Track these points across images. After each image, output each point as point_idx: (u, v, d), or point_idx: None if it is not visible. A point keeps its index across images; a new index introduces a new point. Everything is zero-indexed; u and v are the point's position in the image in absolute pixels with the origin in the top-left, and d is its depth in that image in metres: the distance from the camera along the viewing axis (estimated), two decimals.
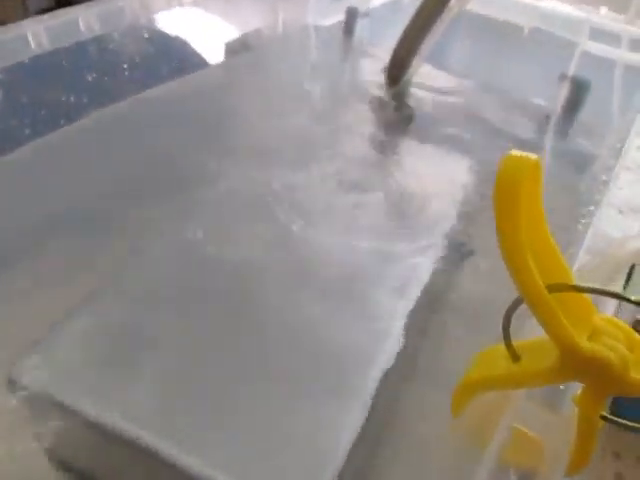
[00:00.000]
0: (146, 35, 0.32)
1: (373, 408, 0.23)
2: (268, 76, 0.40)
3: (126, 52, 0.32)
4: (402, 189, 0.34)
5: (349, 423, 0.22)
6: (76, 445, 0.25)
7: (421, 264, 0.30)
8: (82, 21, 0.29)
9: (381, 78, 0.38)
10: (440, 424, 0.17)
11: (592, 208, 0.21)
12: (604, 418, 0.11)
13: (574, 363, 0.10)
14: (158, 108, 0.34)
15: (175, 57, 0.36)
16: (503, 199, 0.09)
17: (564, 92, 0.37)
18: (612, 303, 0.16)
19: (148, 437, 0.21)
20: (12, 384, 0.23)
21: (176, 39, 0.36)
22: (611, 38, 0.34)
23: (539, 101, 0.38)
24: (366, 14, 0.42)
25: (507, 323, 0.11)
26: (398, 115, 0.37)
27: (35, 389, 0.22)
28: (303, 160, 0.34)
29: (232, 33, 0.41)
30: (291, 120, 0.37)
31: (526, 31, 0.36)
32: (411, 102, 0.38)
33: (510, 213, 0.09)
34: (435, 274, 0.29)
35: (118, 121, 0.32)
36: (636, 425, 0.11)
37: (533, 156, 0.09)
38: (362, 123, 0.37)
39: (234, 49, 0.40)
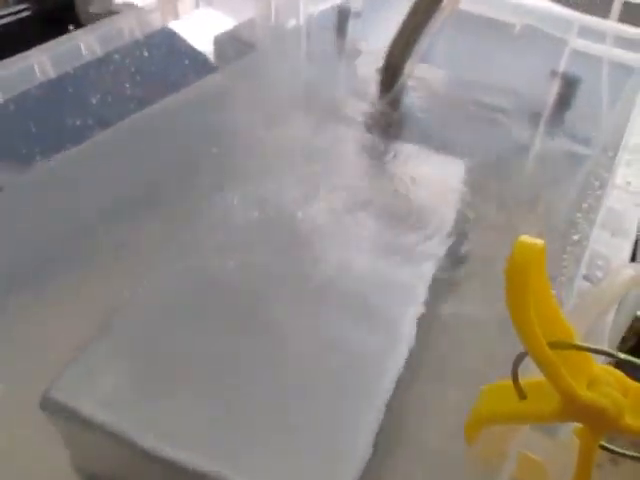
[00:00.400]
0: (145, 53, 0.33)
1: (388, 410, 0.25)
2: (262, 84, 0.41)
3: (127, 71, 0.33)
4: (399, 195, 0.35)
5: (366, 424, 0.24)
6: (108, 462, 0.27)
7: (425, 270, 0.31)
8: (84, 45, 0.30)
9: (375, 80, 0.39)
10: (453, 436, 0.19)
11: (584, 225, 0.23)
12: (603, 447, 0.13)
13: (574, 408, 0.12)
14: (157, 124, 0.35)
15: (174, 68, 0.36)
16: (514, 281, 0.11)
17: (555, 88, 0.38)
18: None
19: (183, 455, 0.23)
20: (46, 403, 0.24)
21: (173, 49, 0.37)
22: (598, 36, 0.35)
23: (531, 97, 0.39)
24: (358, 14, 0.43)
25: (515, 370, 0.13)
26: (393, 118, 0.38)
27: (69, 408, 0.24)
28: (300, 168, 0.35)
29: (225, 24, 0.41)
30: (287, 129, 0.38)
31: (517, 29, 0.37)
32: (405, 104, 0.39)
33: (519, 292, 0.11)
34: (437, 279, 0.31)
35: (120, 140, 0.33)
36: (632, 453, 0.13)
37: (540, 242, 0.11)
38: (357, 128, 0.38)
39: (227, 44, 0.41)
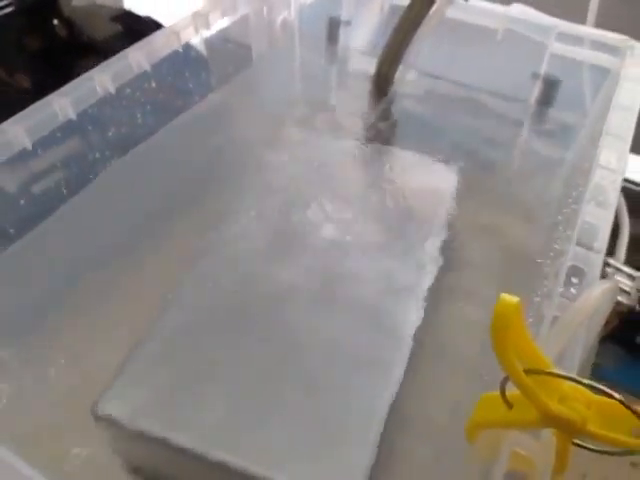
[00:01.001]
0: (153, 84, 0.35)
1: (394, 405, 0.29)
2: (259, 100, 0.43)
3: (138, 103, 0.35)
4: (395, 202, 0.38)
5: (377, 410, 0.28)
6: (152, 461, 0.31)
7: (423, 273, 0.34)
8: (98, 85, 0.33)
9: (367, 89, 0.42)
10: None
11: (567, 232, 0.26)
12: (576, 444, 0.17)
13: (548, 419, 0.15)
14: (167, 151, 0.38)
15: (179, 92, 0.39)
16: (496, 330, 0.14)
17: (537, 90, 0.41)
18: None
19: (231, 457, 0.26)
20: (98, 418, 0.28)
21: (176, 70, 0.39)
22: (576, 40, 0.37)
23: (515, 100, 0.42)
24: (348, 22, 0.45)
25: (502, 388, 0.16)
26: (386, 126, 0.41)
27: (119, 420, 0.28)
28: (299, 180, 0.38)
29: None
30: (285, 141, 0.40)
31: (500, 34, 0.40)
32: (397, 111, 0.41)
33: (501, 338, 0.14)
34: (436, 281, 0.34)
35: (131, 170, 0.36)
36: (602, 449, 0.16)
37: (516, 299, 0.14)
38: (352, 137, 0.41)
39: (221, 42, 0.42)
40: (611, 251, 0.39)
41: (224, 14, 0.40)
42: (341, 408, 0.28)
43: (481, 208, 0.39)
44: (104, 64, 0.33)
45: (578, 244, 0.24)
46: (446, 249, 0.35)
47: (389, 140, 0.42)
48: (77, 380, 0.32)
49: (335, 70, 0.46)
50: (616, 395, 0.15)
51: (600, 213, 0.25)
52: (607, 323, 0.37)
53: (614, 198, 0.26)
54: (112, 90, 0.33)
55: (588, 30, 0.38)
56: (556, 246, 0.26)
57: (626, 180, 0.49)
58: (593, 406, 0.15)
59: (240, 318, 0.31)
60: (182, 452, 0.27)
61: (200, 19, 0.38)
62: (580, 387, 0.16)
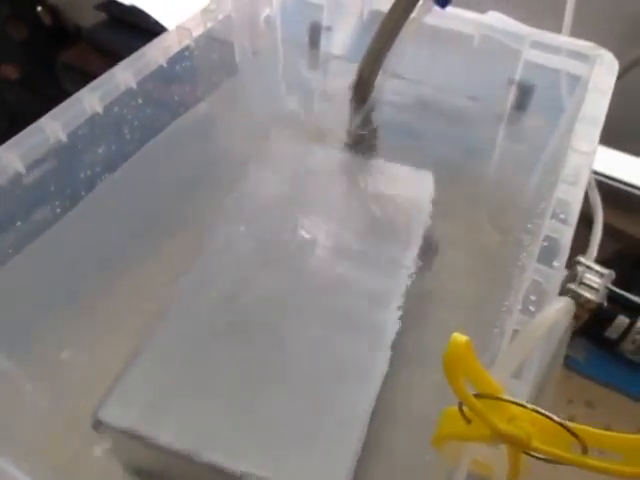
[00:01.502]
0: (140, 100, 0.37)
1: (376, 405, 0.31)
2: (243, 107, 0.44)
3: (125, 120, 0.37)
4: (373, 210, 0.40)
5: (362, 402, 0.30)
6: (150, 463, 0.33)
7: (400, 278, 0.37)
8: (87, 106, 0.34)
9: (348, 96, 0.43)
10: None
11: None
12: (526, 454, 0.19)
13: (498, 436, 0.18)
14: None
15: (166, 106, 0.40)
16: (449, 366, 0.16)
17: (512, 95, 0.43)
18: None
19: (224, 459, 0.28)
20: (98, 424, 0.30)
21: (162, 85, 0.40)
22: (549, 48, 0.39)
23: (492, 104, 0.43)
24: (329, 28, 0.46)
25: (460, 407, 0.19)
26: (367, 133, 0.42)
27: (119, 427, 0.30)
28: (280, 191, 0.40)
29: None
30: (268, 151, 0.42)
31: (476, 40, 0.41)
32: (377, 117, 0.43)
33: (453, 371, 0.16)
34: (411, 285, 0.36)
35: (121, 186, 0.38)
36: (544, 457, 0.18)
37: (465, 338, 0.16)
38: (333, 146, 0.43)
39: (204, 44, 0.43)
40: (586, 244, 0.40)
41: (206, 23, 0.41)
42: (325, 409, 0.30)
43: (458, 214, 0.40)
44: (92, 84, 0.34)
45: (539, 260, 0.26)
46: (423, 256, 0.37)
47: (370, 147, 0.43)
48: (77, 385, 0.34)
49: (317, 76, 0.47)
50: (555, 417, 0.17)
51: (562, 228, 0.27)
52: (578, 318, 0.39)
53: (576, 212, 0.28)
54: (100, 110, 0.34)
55: (560, 38, 0.39)
56: (520, 259, 0.28)
57: (606, 176, 0.51)
58: (538, 424, 0.18)
59: (230, 326, 0.34)
60: (178, 455, 0.29)
61: (183, 32, 0.40)
62: (527, 409, 0.18)
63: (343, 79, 0.44)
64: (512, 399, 0.17)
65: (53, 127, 0.32)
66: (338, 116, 0.43)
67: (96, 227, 0.36)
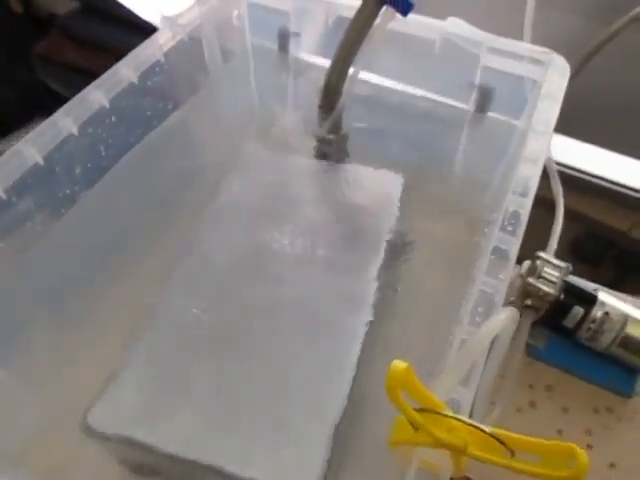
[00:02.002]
0: (113, 118, 0.38)
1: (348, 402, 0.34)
2: (215, 116, 0.46)
3: (100, 139, 0.38)
4: (343, 215, 0.42)
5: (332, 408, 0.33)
6: (139, 459, 0.36)
7: (368, 280, 0.39)
8: (62, 128, 0.35)
9: (317, 103, 0.45)
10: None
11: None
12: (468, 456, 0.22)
13: (439, 444, 0.20)
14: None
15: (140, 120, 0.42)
16: (390, 389, 0.19)
17: (473, 98, 0.45)
18: None
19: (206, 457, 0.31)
20: (87, 428, 0.33)
21: (134, 101, 0.42)
22: (505, 53, 0.41)
23: (454, 107, 0.45)
24: (297, 33, 0.47)
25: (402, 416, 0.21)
26: (336, 139, 0.44)
27: (107, 432, 0.32)
28: (253, 199, 0.42)
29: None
30: (241, 162, 0.44)
31: (437, 45, 0.43)
32: (346, 122, 0.44)
33: (395, 393, 0.19)
34: (380, 289, 0.39)
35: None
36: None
37: (404, 365, 0.19)
38: (303, 153, 0.44)
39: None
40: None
41: (175, 36, 0.43)
42: (299, 410, 0.33)
43: (427, 213, 0.43)
44: (66, 106, 0.36)
45: (487, 273, 0.28)
46: (392, 255, 0.40)
47: (340, 151, 0.45)
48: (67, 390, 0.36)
49: (288, 81, 0.49)
50: (485, 429, 0.20)
51: (510, 240, 0.29)
52: (538, 310, 0.42)
53: (524, 223, 0.31)
54: (75, 131, 0.36)
55: (516, 44, 0.41)
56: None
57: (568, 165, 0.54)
58: (474, 433, 0.20)
59: (210, 334, 0.36)
60: (164, 455, 0.32)
61: (154, 47, 0.41)
62: (464, 420, 0.20)
63: (313, 84, 0.45)
64: (448, 414, 0.20)
65: (30, 151, 0.34)
66: (309, 121, 0.44)
67: (78, 242, 0.38)
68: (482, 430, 0.20)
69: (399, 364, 0.19)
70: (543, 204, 0.43)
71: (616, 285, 0.65)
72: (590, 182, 0.55)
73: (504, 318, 0.26)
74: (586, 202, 0.57)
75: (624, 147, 0.97)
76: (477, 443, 0.20)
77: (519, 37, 0.42)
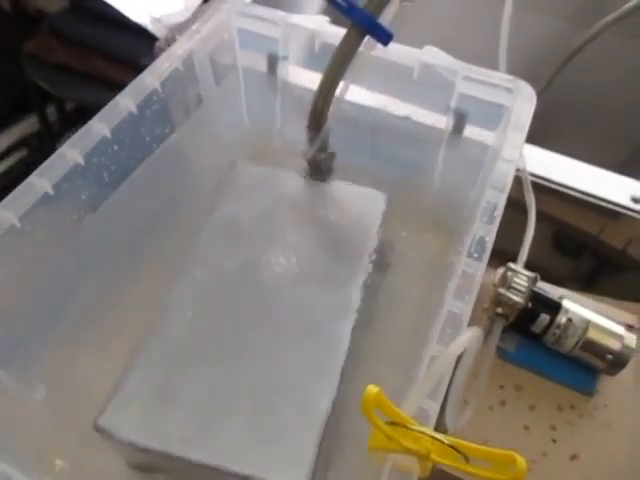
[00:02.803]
0: (115, 147, 0.42)
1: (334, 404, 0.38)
2: (209, 138, 0.49)
3: (103, 166, 0.42)
4: (329, 231, 0.46)
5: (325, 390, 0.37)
6: (145, 459, 0.40)
7: (353, 293, 0.43)
8: (70, 159, 0.39)
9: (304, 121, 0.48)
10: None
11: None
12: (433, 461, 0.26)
13: (406, 451, 0.25)
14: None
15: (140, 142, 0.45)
16: (366, 409, 0.23)
17: (450, 121, 0.48)
18: None
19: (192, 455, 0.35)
20: (99, 430, 0.37)
21: (133, 129, 0.45)
22: (477, 80, 0.45)
23: (433, 128, 0.49)
24: (285, 57, 0.51)
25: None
26: (322, 158, 0.48)
27: (116, 434, 0.36)
28: (244, 219, 0.45)
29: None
30: (232, 181, 0.47)
31: (416, 72, 0.47)
32: (332, 144, 0.48)
33: (369, 412, 0.23)
34: (366, 292, 0.43)
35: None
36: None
37: (376, 389, 0.23)
38: (293, 165, 0.48)
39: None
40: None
41: (171, 65, 0.46)
42: (289, 411, 0.37)
43: (407, 229, 0.47)
44: (73, 138, 0.39)
45: (454, 296, 0.32)
46: (377, 266, 0.44)
47: (327, 170, 0.49)
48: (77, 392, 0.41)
49: (276, 102, 0.52)
50: (444, 440, 0.24)
51: (475, 265, 0.34)
52: (508, 317, 0.47)
53: (489, 249, 0.35)
54: (81, 162, 0.40)
55: (489, 72, 0.45)
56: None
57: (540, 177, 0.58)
58: (435, 443, 0.25)
59: (207, 345, 0.40)
60: (169, 456, 0.36)
61: (150, 78, 0.44)
62: (428, 433, 0.25)
63: (301, 104, 0.49)
64: (414, 427, 0.24)
65: (42, 183, 0.37)
66: (298, 140, 0.48)
67: (83, 261, 0.42)
68: (441, 441, 0.24)
69: (372, 388, 0.23)
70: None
71: (593, 280, 0.70)
72: (562, 191, 0.59)
73: (467, 338, 0.30)
74: (559, 207, 0.61)
75: (597, 148, 1.01)
76: (438, 451, 0.24)
77: (495, 55, 0.45)
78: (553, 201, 0.61)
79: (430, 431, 0.25)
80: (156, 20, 1.04)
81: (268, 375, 0.39)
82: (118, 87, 1.10)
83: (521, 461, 0.22)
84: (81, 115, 1.29)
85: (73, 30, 1.08)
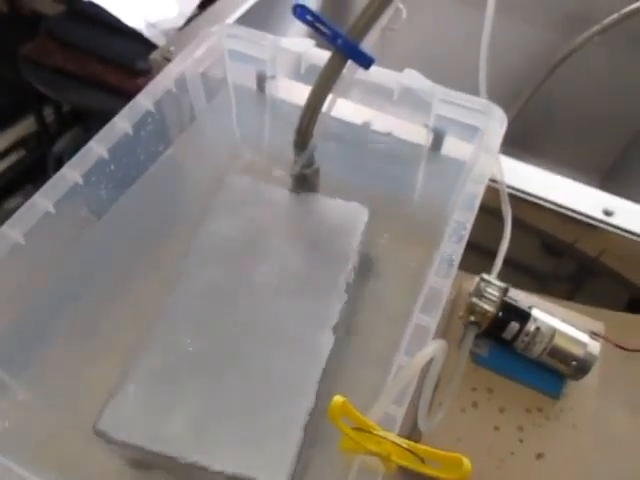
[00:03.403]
0: (112, 167, 0.45)
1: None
2: (201, 153, 0.53)
3: (101, 186, 0.45)
4: (315, 240, 0.49)
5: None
6: (142, 457, 0.43)
7: (334, 303, 0.47)
8: (70, 179, 0.42)
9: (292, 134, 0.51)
10: None
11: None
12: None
13: (370, 453, 0.28)
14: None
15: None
16: (332, 416, 0.26)
17: (428, 139, 0.52)
18: None
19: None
20: (98, 434, 0.40)
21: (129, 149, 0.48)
22: (453, 103, 0.48)
23: (413, 144, 0.52)
24: (273, 77, 0.54)
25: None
26: (308, 174, 0.51)
27: (115, 437, 0.40)
28: (232, 233, 0.49)
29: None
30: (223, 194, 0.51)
31: (396, 93, 0.50)
32: (318, 158, 0.52)
33: (336, 419, 0.27)
34: (348, 301, 0.46)
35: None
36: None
37: (342, 399, 0.26)
38: (279, 180, 0.51)
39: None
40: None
41: (165, 86, 0.49)
42: (272, 415, 0.41)
43: (388, 241, 0.50)
44: (72, 161, 0.43)
45: (422, 310, 0.36)
46: (360, 275, 0.47)
47: (313, 185, 0.53)
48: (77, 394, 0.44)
49: (265, 119, 0.56)
50: (402, 443, 0.28)
51: (442, 282, 0.37)
52: (480, 325, 0.50)
53: (456, 266, 0.38)
54: (80, 181, 0.43)
55: (463, 96, 0.48)
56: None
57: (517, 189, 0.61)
58: (395, 446, 0.28)
59: (200, 351, 0.44)
60: (158, 455, 0.40)
61: (145, 100, 0.47)
62: (388, 437, 0.28)
63: (288, 120, 0.52)
64: (377, 432, 0.28)
65: (44, 203, 0.41)
66: (285, 155, 0.51)
67: (83, 271, 0.46)
68: (400, 445, 0.28)
69: (339, 399, 0.26)
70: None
71: (574, 282, 0.74)
72: (539, 203, 0.63)
73: (431, 350, 0.33)
74: (536, 216, 0.65)
75: (582, 155, 1.05)
76: (398, 453, 0.28)
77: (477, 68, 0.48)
78: (533, 210, 0.64)
79: (390, 436, 0.28)
80: (151, 25, 1.07)
81: (254, 382, 0.43)
82: (114, 90, 1.13)
83: (467, 463, 0.26)
84: (78, 117, 1.32)
85: (70, 34, 1.10)
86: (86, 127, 1.31)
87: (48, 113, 1.32)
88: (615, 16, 0.86)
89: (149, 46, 1.00)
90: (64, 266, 0.44)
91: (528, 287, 0.57)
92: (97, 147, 0.44)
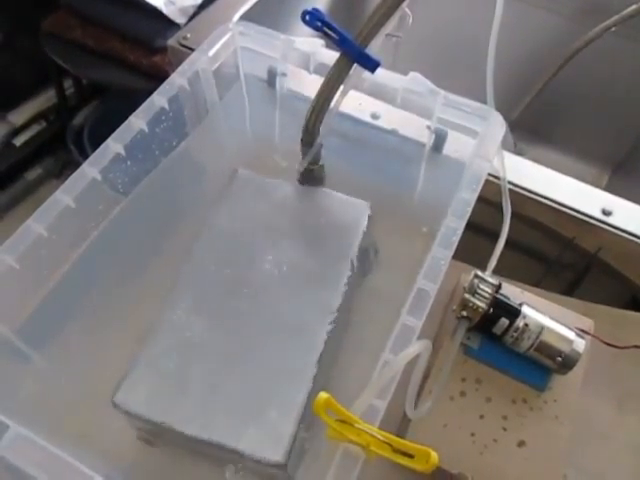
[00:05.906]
0: (129, 162, 0.49)
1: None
2: (213, 148, 0.56)
3: (118, 181, 0.49)
4: (320, 232, 0.53)
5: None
6: (155, 434, 0.48)
7: (335, 294, 0.50)
8: (90, 176, 0.46)
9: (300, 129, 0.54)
10: None
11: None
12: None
13: (351, 442, 0.32)
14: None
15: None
16: (318, 410, 0.30)
17: (430, 139, 0.54)
18: None
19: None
20: (115, 406, 0.45)
21: (144, 147, 0.52)
22: (454, 106, 0.50)
23: (416, 144, 0.55)
24: (284, 74, 0.57)
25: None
26: (314, 169, 0.54)
27: (130, 410, 0.45)
28: (239, 225, 0.52)
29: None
30: (230, 189, 0.54)
31: (400, 95, 0.52)
32: (323, 156, 0.55)
33: (322, 412, 0.30)
34: (349, 290, 0.50)
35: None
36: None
37: (326, 395, 0.30)
38: (288, 173, 0.55)
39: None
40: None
41: (179, 84, 0.52)
42: (273, 397, 0.45)
43: (389, 235, 0.54)
44: (91, 159, 0.46)
45: (409, 312, 0.39)
46: (362, 264, 0.51)
47: (319, 180, 0.56)
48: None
49: (275, 113, 0.58)
50: (378, 436, 0.31)
51: (429, 286, 0.41)
52: (472, 320, 0.54)
53: (442, 273, 0.42)
54: (99, 177, 0.47)
55: (464, 100, 0.50)
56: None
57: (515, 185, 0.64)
58: (374, 437, 0.32)
59: (206, 337, 0.48)
60: (167, 429, 0.45)
61: (160, 98, 0.51)
62: (367, 429, 0.32)
63: (297, 115, 0.55)
64: (357, 425, 0.32)
65: (65, 199, 0.45)
66: (294, 149, 0.54)
67: (103, 259, 0.50)
68: (376, 437, 0.31)
69: (323, 395, 0.30)
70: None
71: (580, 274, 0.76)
72: (540, 200, 0.65)
73: (415, 350, 0.37)
74: (536, 213, 0.67)
75: (596, 145, 1.05)
76: (376, 443, 0.32)
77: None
78: (532, 207, 0.67)
79: (369, 428, 0.32)
80: (170, 2, 1.09)
81: (257, 365, 0.47)
82: (132, 67, 1.16)
83: (434, 455, 0.30)
84: (97, 90, 1.36)
85: (91, 9, 1.13)
86: (105, 100, 1.35)
87: (68, 86, 1.35)
88: (634, 7, 0.86)
89: (168, 23, 1.02)
90: (85, 254, 0.48)
91: (535, 271, 0.60)
92: (114, 145, 0.47)
